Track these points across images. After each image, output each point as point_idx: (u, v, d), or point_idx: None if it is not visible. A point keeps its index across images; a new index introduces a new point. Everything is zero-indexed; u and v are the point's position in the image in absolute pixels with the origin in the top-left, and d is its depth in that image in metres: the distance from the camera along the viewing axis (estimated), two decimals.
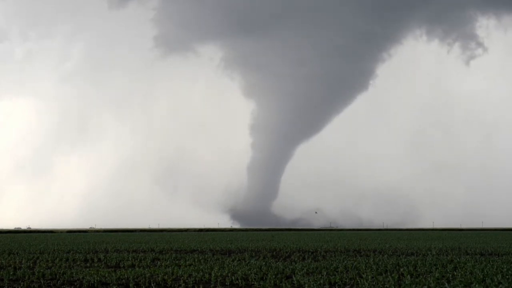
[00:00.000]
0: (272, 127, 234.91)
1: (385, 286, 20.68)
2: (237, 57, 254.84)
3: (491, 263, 29.25)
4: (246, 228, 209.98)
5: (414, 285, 20.50)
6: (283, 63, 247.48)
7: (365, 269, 26.16)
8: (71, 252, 42.07)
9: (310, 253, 39.15)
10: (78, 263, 31.59)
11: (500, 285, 20.54)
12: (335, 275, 23.93)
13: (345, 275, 23.81)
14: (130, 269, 27.20)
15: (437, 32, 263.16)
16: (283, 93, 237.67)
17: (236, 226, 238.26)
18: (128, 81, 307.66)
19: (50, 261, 32.43)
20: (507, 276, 22.89)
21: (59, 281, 23.00)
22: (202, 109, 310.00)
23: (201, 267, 27.78)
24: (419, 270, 25.98)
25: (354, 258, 33.44)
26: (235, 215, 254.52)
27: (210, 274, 24.56)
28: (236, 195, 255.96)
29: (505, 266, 27.11)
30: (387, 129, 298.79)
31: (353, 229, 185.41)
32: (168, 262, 31.17)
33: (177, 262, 31.58)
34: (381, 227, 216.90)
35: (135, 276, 24.13)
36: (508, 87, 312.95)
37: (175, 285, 21.92)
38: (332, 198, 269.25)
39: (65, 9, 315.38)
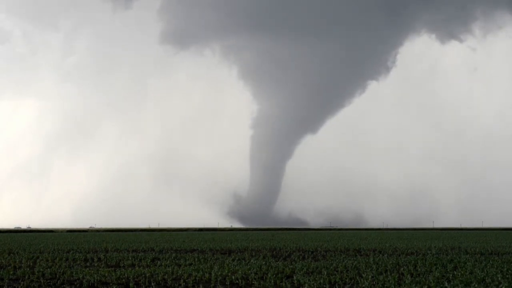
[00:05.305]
0: (274, 122, 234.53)
1: (385, 285, 20.68)
2: (235, 52, 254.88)
3: (491, 263, 29.25)
4: (246, 228, 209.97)
5: (414, 285, 20.49)
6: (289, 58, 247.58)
7: (365, 269, 26.16)
8: (71, 251, 42.07)
9: (310, 253, 39.15)
10: (78, 262, 31.58)
11: (500, 285, 20.55)
12: (335, 275, 23.93)
13: (345, 275, 23.81)
14: (130, 269, 27.20)
15: (441, 32, 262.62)
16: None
17: (236, 225, 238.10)
18: (128, 80, 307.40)
19: (50, 261, 32.42)
20: (507, 276, 22.89)
21: (59, 281, 23.00)
22: (203, 107, 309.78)
23: (201, 266, 27.78)
24: (419, 269, 25.98)
25: (354, 258, 33.45)
26: (236, 215, 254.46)
27: (210, 273, 24.57)
28: (237, 194, 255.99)
29: (505, 266, 27.12)
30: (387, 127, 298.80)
31: (353, 229, 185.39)
32: (168, 262, 31.17)
33: (177, 261, 31.58)
34: (381, 227, 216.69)
35: (135, 276, 24.13)
36: (508, 88, 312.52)
37: (175, 284, 21.91)
38: (336, 196, 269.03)
39: (67, 7, 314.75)
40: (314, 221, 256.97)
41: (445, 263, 29.03)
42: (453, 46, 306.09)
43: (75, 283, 22.33)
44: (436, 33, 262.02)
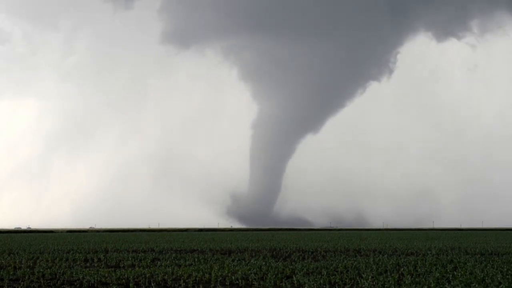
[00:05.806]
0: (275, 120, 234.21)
1: (385, 286, 20.68)
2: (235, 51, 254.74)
3: (491, 263, 29.25)
4: (246, 228, 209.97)
5: (414, 285, 20.49)
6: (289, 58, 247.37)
7: (365, 269, 26.16)
8: (71, 252, 42.07)
9: (310, 253, 39.14)
10: (78, 263, 31.59)
11: (500, 285, 20.54)
12: (335, 275, 23.93)
13: (345, 275, 23.81)
14: (130, 269, 27.20)
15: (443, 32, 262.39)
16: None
17: (236, 226, 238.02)
18: (128, 80, 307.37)
19: (50, 261, 32.43)
20: (507, 276, 22.89)
21: (59, 281, 23.00)
22: (203, 107, 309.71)
23: (201, 267, 27.78)
24: (419, 270, 25.98)
25: (354, 258, 33.44)
26: (236, 215, 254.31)
27: (210, 274, 24.57)
28: (237, 195, 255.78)
29: (505, 266, 27.12)
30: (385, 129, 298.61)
31: (353, 229, 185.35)
32: (168, 262, 31.17)
33: (177, 262, 31.58)
34: (381, 227, 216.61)
35: (135, 276, 24.13)
36: (508, 88, 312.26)
37: (175, 285, 21.92)
38: (336, 196, 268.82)
39: (67, 7, 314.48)
40: (314, 221, 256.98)
41: (445, 264, 29.03)
42: (452, 44, 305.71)
43: (75, 284, 22.33)
44: (433, 31, 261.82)
